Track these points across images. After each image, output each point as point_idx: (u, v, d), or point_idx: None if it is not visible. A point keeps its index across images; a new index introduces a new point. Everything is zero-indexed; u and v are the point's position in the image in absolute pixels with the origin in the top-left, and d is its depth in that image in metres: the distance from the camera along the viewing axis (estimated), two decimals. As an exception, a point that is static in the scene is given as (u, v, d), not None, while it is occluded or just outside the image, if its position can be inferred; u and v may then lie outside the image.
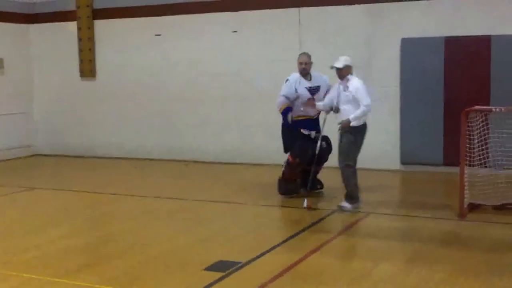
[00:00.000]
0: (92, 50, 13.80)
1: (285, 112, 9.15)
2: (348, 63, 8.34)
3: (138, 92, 13.45)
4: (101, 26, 13.71)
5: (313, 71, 9.20)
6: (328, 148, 9.19)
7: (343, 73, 8.31)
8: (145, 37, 13.27)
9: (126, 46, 13.50)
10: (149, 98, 13.36)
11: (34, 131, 14.57)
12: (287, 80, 9.19)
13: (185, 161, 12.82)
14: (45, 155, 14.43)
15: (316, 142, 8.96)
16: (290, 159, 9.03)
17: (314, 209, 8.34)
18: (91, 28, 13.74)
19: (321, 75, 9.25)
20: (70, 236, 7.39)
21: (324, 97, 9.03)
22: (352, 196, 8.36)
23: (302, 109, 9.07)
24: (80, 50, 13.88)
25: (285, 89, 9.10)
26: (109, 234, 7.62)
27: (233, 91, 12.57)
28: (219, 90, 12.69)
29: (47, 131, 14.55)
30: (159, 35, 13.12)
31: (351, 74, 8.39)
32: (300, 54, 9.24)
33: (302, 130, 9.08)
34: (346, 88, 8.29)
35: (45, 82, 14.48)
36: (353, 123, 8.19)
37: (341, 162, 8.32)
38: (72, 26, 13.93)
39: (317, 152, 8.83)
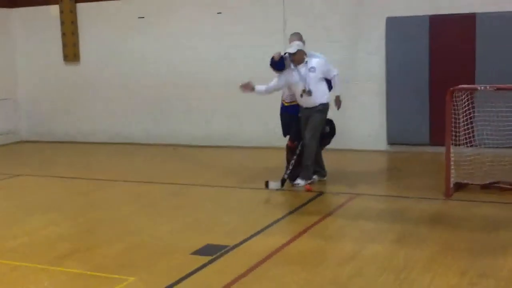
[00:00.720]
0: (75, 33, 13.66)
1: (277, 64, 8.68)
2: (300, 47, 8.44)
3: (123, 76, 13.35)
4: (84, 9, 13.56)
5: (309, 51, 8.96)
6: (331, 132, 9.09)
7: (296, 57, 8.43)
8: (128, 20, 13.14)
9: (110, 30, 13.37)
10: (134, 82, 13.26)
11: (18, 117, 14.45)
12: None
13: (173, 145, 12.76)
14: (30, 142, 14.33)
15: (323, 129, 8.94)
16: (289, 143, 8.94)
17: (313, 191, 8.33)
18: (73, 11, 13.58)
19: (314, 54, 8.80)
20: (57, 223, 7.35)
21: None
22: (309, 172, 8.61)
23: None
24: (63, 34, 13.73)
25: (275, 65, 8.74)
26: (97, 220, 7.58)
27: (220, 75, 12.47)
28: (206, 74, 12.59)
29: (32, 117, 14.44)
30: (143, 17, 12.99)
31: (306, 55, 8.50)
32: (291, 35, 8.98)
33: (300, 115, 8.92)
34: (312, 69, 8.43)
35: (29, 68, 14.33)
36: (322, 101, 8.48)
37: (309, 138, 8.49)
38: (54, 9, 13.75)
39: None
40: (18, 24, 14.27)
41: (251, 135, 12.30)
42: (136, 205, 8.23)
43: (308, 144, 8.52)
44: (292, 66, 8.53)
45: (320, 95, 8.47)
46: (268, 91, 8.78)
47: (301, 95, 8.48)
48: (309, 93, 8.41)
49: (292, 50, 8.37)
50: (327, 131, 8.95)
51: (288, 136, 8.94)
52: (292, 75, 8.51)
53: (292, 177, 8.78)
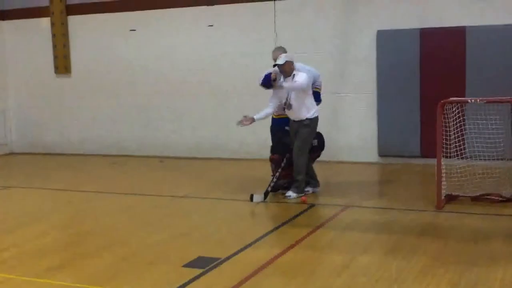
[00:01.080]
0: (66, 46, 13.65)
1: (265, 77, 8.75)
2: (289, 59, 8.45)
3: (113, 87, 13.35)
4: (75, 22, 13.57)
5: (298, 63, 8.98)
6: (319, 146, 9.04)
7: (286, 69, 8.42)
8: (119, 32, 13.16)
9: (101, 42, 13.37)
10: (125, 94, 13.26)
11: (9, 129, 14.39)
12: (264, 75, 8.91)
13: (160, 157, 12.73)
14: (20, 153, 14.26)
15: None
16: (271, 156, 8.97)
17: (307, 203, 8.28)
18: (64, 23, 13.58)
19: (304, 66, 8.87)
20: (47, 235, 7.30)
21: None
22: (301, 185, 8.63)
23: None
24: (54, 46, 13.72)
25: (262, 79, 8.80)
26: (86, 232, 7.53)
27: (209, 85, 12.50)
28: (195, 84, 12.62)
29: (22, 129, 14.40)
30: (134, 30, 13.01)
31: (294, 69, 8.49)
32: (273, 50, 9.00)
33: (286, 128, 8.89)
34: (294, 83, 8.39)
35: (20, 79, 14.30)
36: (309, 116, 8.46)
37: (296, 153, 8.53)
38: (45, 22, 13.76)
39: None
40: (9, 36, 14.25)
41: (240, 146, 12.29)
42: (125, 216, 8.19)
43: (296, 159, 8.54)
44: (282, 79, 8.53)
45: (305, 109, 8.48)
46: (269, 115, 8.81)
47: (284, 108, 8.54)
48: (289, 106, 8.45)
49: (280, 61, 8.39)
50: (315, 144, 8.94)
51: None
52: (281, 89, 8.53)
53: (275, 188, 8.79)
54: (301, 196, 8.58)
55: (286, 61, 8.41)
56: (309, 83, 8.46)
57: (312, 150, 8.90)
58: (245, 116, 8.68)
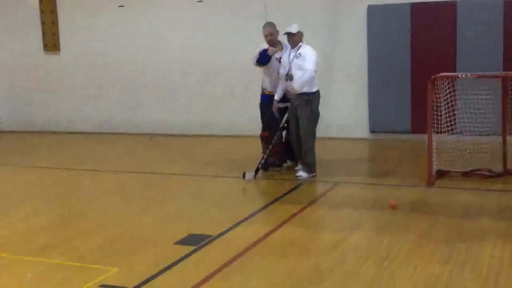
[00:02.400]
0: (55, 23, 13.50)
1: (262, 55, 8.71)
2: (300, 29, 8.31)
3: (103, 65, 13.24)
4: (63, -2, 13.43)
5: (283, 41, 8.99)
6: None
7: (296, 39, 8.28)
8: (108, 9, 13.03)
9: (90, 19, 13.23)
10: (114, 72, 13.17)
11: (-3, 107, 14.31)
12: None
13: (150, 134, 12.69)
14: (9, 132, 14.18)
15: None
16: (262, 133, 8.96)
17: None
18: (52, 0, 13.41)
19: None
20: (37, 214, 7.28)
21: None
22: (312, 165, 8.48)
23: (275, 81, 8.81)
24: (43, 23, 13.57)
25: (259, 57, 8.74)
26: (77, 211, 7.52)
27: (198, 63, 12.43)
28: (184, 61, 12.54)
29: (11, 106, 14.29)
30: (123, 6, 12.88)
31: (302, 42, 8.36)
32: (264, 26, 8.90)
33: (278, 104, 8.88)
34: (298, 55, 8.26)
35: (8, 57, 14.14)
36: (306, 90, 8.25)
37: (304, 138, 8.34)
38: (33, -2, 13.62)
39: (283, 124, 8.73)
40: (-3, 13, 14.09)
41: (231, 123, 12.26)
42: (117, 195, 8.18)
43: (304, 141, 8.35)
44: (278, 53, 8.46)
45: (302, 83, 8.23)
46: (284, 90, 8.61)
47: (286, 79, 8.36)
48: (290, 77, 8.25)
49: (293, 30, 8.22)
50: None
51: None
52: (286, 54, 8.42)
53: (266, 166, 8.82)
54: (312, 176, 8.44)
55: (299, 31, 8.27)
56: (316, 63, 8.29)
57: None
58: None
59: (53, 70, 13.74)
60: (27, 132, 13.94)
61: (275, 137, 8.71)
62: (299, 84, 8.19)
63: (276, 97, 8.63)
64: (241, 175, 8.54)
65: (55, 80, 13.76)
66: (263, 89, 8.98)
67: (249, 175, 8.53)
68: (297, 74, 8.21)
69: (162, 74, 12.77)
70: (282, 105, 8.81)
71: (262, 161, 8.68)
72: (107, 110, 13.36)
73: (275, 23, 8.83)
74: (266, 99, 8.93)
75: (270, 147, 8.68)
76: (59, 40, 13.57)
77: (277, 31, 8.77)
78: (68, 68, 13.57)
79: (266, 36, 8.72)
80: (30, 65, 13.93)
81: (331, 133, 11.30)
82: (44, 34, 13.61)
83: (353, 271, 5.15)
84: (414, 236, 5.95)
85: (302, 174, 8.48)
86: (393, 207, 6.83)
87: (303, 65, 8.18)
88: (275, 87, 8.75)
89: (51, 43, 13.60)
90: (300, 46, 8.30)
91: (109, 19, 13.05)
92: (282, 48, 8.73)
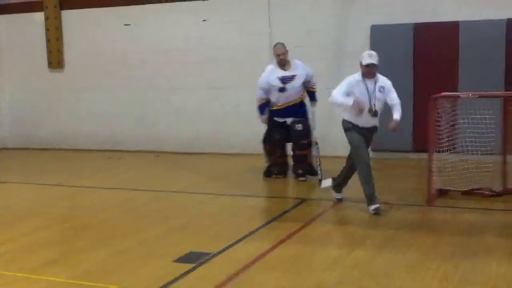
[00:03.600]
0: (60, 40, 13.63)
1: (260, 108, 9.47)
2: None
3: (108, 82, 13.34)
4: (69, 16, 13.55)
5: (297, 60, 9.29)
6: (304, 131, 9.28)
7: (375, 70, 7.47)
8: (113, 27, 13.14)
9: (95, 36, 13.36)
10: (120, 88, 13.26)
11: (2, 124, 14.37)
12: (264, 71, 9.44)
13: (155, 152, 12.73)
14: (14, 149, 14.26)
15: (293, 127, 9.28)
16: (263, 145, 9.61)
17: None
18: (58, 18, 13.56)
19: (302, 64, 9.38)
20: (41, 230, 7.30)
21: (299, 85, 9.27)
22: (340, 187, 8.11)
23: (278, 99, 9.32)
24: (48, 40, 13.70)
25: (260, 80, 9.35)
26: (81, 227, 7.54)
27: (204, 80, 12.51)
28: (190, 78, 12.63)
29: (16, 123, 14.38)
30: (129, 24, 13.01)
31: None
32: (275, 46, 9.30)
33: (275, 119, 9.41)
34: (382, 89, 7.49)
35: (14, 74, 14.27)
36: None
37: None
38: (39, 16, 13.72)
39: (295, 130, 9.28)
40: (3, 30, 14.21)
41: (236, 141, 12.30)
42: (120, 211, 8.23)
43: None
44: (360, 78, 7.47)
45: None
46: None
47: (370, 115, 7.45)
48: (375, 113, 7.46)
49: (375, 61, 7.39)
50: (299, 129, 9.30)
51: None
52: (359, 88, 7.45)
53: (268, 174, 9.60)
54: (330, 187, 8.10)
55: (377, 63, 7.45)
56: None
57: (295, 139, 9.34)
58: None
59: (58, 87, 13.82)
60: (32, 149, 14.00)
61: (278, 149, 9.43)
62: (399, 116, 7.51)
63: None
64: (247, 191, 8.78)
65: (60, 97, 13.85)
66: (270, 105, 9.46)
67: (325, 182, 8.40)
68: (380, 109, 7.54)
69: (168, 91, 12.84)
70: (281, 120, 9.35)
71: (320, 173, 9.06)
72: (113, 126, 13.41)
73: (283, 43, 9.15)
74: (270, 114, 9.49)
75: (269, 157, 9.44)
76: (64, 57, 13.68)
77: (287, 51, 9.17)
78: (73, 85, 13.66)
79: (278, 55, 9.14)
80: (35, 81, 14.04)
81: (333, 151, 11.26)
82: (49, 51, 13.71)
83: (354, 288, 5.15)
84: (414, 253, 5.97)
85: (327, 186, 8.19)
86: None
87: (392, 99, 7.55)
88: (278, 102, 9.32)
89: (56, 60, 13.70)
90: (378, 77, 7.54)
91: (114, 37, 13.16)
92: (291, 66, 9.25)
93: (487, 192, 8.04)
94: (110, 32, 13.20)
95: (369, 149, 8.00)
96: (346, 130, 7.67)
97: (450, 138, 8.39)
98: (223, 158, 11.98)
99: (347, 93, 7.45)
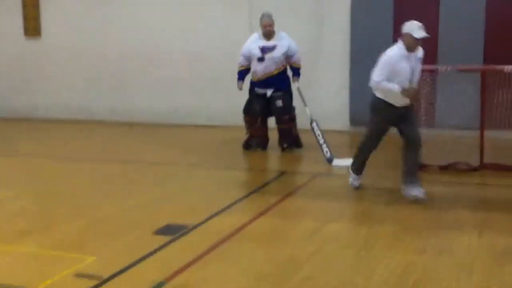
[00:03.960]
0: (36, 7, 13.35)
1: (239, 75, 9.47)
2: None
3: (86, 52, 13.12)
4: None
5: (283, 32, 9.34)
6: (284, 107, 9.32)
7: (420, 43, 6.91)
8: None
9: (73, 3, 13.10)
10: (98, 59, 13.05)
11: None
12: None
13: (133, 123, 12.61)
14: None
15: (273, 103, 9.27)
16: (243, 115, 9.55)
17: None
18: (34, -16, 13.30)
19: (288, 37, 9.33)
20: (15, 201, 7.23)
21: (278, 56, 9.20)
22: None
23: (256, 68, 9.32)
24: (24, 7, 13.41)
25: (243, 47, 9.39)
26: (56, 198, 7.47)
27: (183, 51, 12.39)
28: (169, 50, 12.49)
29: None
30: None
31: None
32: (262, 17, 9.28)
33: (256, 89, 9.42)
34: (420, 60, 7.03)
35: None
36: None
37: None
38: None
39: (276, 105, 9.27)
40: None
41: (216, 112, 12.23)
42: (96, 183, 8.15)
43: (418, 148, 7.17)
44: (405, 53, 6.86)
45: None
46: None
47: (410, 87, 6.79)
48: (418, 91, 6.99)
49: (425, 34, 6.85)
50: (279, 105, 9.27)
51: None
52: (402, 64, 6.83)
53: (247, 146, 9.62)
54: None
55: None
56: None
57: (276, 114, 9.34)
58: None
59: (34, 56, 13.57)
60: (5, 119, 13.80)
61: (259, 119, 9.43)
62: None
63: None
64: (224, 164, 8.63)
65: (36, 66, 13.61)
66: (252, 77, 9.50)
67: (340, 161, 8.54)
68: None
69: (146, 63, 12.68)
70: (262, 91, 9.34)
71: (327, 151, 8.87)
72: (90, 96, 13.24)
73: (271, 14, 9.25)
74: (251, 85, 9.52)
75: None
76: (41, 25, 13.43)
77: (273, 21, 9.22)
78: (50, 55, 13.41)
79: (265, 26, 9.17)
80: (10, 49, 13.76)
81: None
82: (25, 18, 13.44)
83: (330, 259, 5.20)
84: (391, 226, 6.03)
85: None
86: None
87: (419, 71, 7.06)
88: (256, 73, 9.31)
89: (32, 27, 13.44)
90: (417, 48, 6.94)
91: (94, 7, 12.91)
92: (274, 38, 9.23)
93: (464, 167, 8.09)
94: (89, 2, 12.95)
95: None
96: (377, 111, 7.04)
97: (427, 112, 8.40)
98: (202, 130, 11.91)
99: (389, 73, 6.81)
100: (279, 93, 9.29)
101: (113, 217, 6.52)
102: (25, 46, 13.64)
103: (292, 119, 9.44)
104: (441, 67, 8.22)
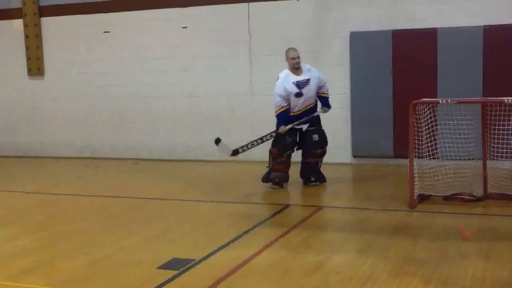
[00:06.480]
0: (39, 47, 13.53)
1: (280, 116, 9.16)
2: None
3: (87, 89, 13.26)
4: (48, 23, 13.45)
5: (307, 64, 9.31)
6: (320, 141, 9.34)
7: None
8: (93, 34, 13.07)
9: (74, 43, 13.27)
10: (98, 96, 13.18)
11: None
12: (278, 78, 9.23)
13: (134, 159, 12.67)
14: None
15: (310, 137, 9.24)
16: (271, 148, 9.29)
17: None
18: (37, 25, 13.47)
19: (311, 67, 9.32)
20: (18, 238, 7.23)
21: (314, 88, 9.18)
22: None
23: (295, 104, 9.15)
24: (27, 48, 13.60)
25: (276, 88, 9.14)
26: (59, 235, 7.46)
27: (183, 87, 12.49)
28: (168, 86, 12.60)
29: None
30: (108, 32, 12.95)
31: None
32: (289, 50, 9.20)
33: (291, 125, 9.20)
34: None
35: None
36: None
37: None
38: (18, 23, 13.62)
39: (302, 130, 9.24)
40: (-19, 37, 14.09)
41: (214, 148, 12.23)
42: (99, 218, 8.15)
43: None
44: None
45: None
46: None
47: None
48: None
49: None
50: (315, 139, 9.30)
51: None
52: None
53: (266, 180, 9.38)
54: None
55: None
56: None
57: (307, 147, 9.29)
58: None
59: (37, 94, 13.70)
60: (9, 156, 13.86)
61: (285, 155, 9.19)
62: None
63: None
64: (227, 198, 8.63)
65: (38, 104, 13.73)
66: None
67: (224, 147, 8.94)
68: None
69: (146, 99, 12.79)
70: (298, 126, 9.24)
71: (245, 149, 9.11)
72: (91, 134, 13.33)
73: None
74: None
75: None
76: (43, 65, 13.58)
77: (299, 53, 9.19)
78: (52, 93, 13.54)
79: (293, 59, 9.07)
80: (14, 89, 13.91)
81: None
82: (28, 59, 13.61)
83: (335, 293, 5.17)
84: (396, 257, 6.00)
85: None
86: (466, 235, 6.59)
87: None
88: (295, 108, 9.16)
89: (35, 67, 13.60)
90: None
91: (93, 44, 13.08)
92: (303, 71, 9.16)
93: (468, 197, 8.10)
94: (89, 40, 13.12)
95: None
96: None
97: (429, 144, 8.45)
98: (202, 165, 11.93)
99: None
100: (315, 127, 9.30)
101: (116, 252, 6.51)
102: (29, 85, 13.76)
103: (324, 153, 9.45)
104: (441, 100, 8.28)
